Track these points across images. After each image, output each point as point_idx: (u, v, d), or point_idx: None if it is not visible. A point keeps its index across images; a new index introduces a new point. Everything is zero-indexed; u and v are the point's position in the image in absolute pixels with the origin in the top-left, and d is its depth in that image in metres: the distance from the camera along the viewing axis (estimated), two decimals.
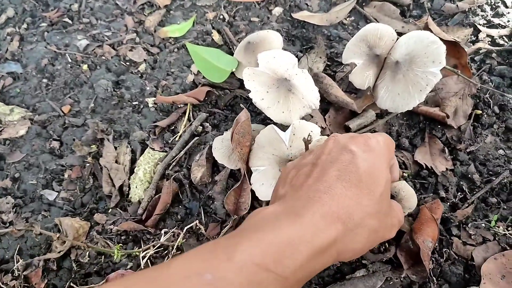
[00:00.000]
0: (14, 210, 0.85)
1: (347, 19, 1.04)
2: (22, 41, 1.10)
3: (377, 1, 1.05)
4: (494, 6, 1.02)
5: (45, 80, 1.02)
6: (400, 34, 0.95)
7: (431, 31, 0.95)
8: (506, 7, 1.01)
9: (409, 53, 0.84)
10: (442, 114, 0.85)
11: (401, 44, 0.87)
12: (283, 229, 0.46)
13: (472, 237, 0.71)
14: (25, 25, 1.13)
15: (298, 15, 1.04)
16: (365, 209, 0.51)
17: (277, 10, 1.07)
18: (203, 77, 0.97)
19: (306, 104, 0.82)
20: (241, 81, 0.95)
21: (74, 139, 0.91)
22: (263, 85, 0.87)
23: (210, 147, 0.84)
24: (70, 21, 1.12)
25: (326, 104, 0.90)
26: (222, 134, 0.84)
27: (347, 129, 0.87)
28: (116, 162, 0.88)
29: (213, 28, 1.07)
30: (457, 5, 1.02)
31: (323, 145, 0.60)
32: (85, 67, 1.03)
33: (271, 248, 0.44)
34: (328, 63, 0.98)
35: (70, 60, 1.04)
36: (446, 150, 0.82)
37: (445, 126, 0.86)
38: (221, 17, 1.09)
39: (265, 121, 0.88)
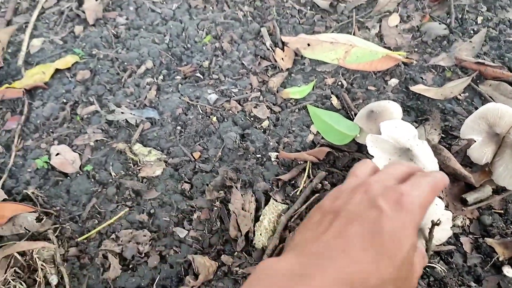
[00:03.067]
0: (150, 243, 0.95)
1: (462, 94, 1.10)
2: (159, 90, 1.25)
3: (493, 80, 1.10)
4: None
5: (178, 127, 1.15)
6: None
7: None
8: None
9: None
10: None
11: None
12: None
13: None
14: (161, 76, 1.28)
15: (414, 88, 1.10)
16: (383, 276, 0.46)
17: (393, 81, 1.15)
18: (322, 138, 1.05)
19: None
20: (359, 145, 1.03)
21: (207, 184, 1.01)
22: (385, 152, 0.93)
23: None
24: (201, 76, 1.26)
25: None
26: None
27: (464, 202, 0.91)
28: (243, 209, 0.96)
29: (332, 93, 1.16)
30: None
31: (351, 192, 0.55)
32: (214, 119, 1.14)
33: None
34: (443, 135, 1.03)
35: (200, 111, 1.17)
36: None
37: None
38: (340, 83, 1.18)
39: None
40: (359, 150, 1.03)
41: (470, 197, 0.91)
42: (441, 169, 0.94)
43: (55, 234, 0.98)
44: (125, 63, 1.33)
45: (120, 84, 1.28)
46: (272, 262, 0.49)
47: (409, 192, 0.51)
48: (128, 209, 1.01)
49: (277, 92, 1.19)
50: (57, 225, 1.00)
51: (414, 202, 0.50)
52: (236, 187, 0.99)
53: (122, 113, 1.19)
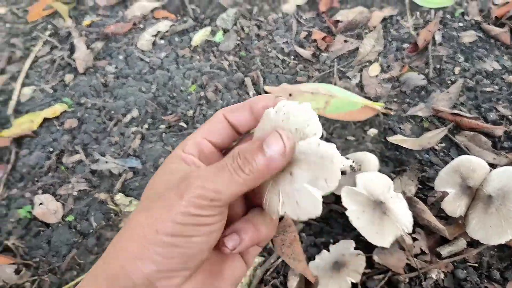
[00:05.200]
0: None
1: (439, 145, 1.12)
2: (143, 139, 1.27)
3: (469, 131, 1.12)
4: None
5: None
6: (491, 165, 1.01)
7: None
8: None
9: (502, 188, 0.89)
10: None
11: (494, 177, 0.92)
12: None
13: None
14: (146, 125, 1.31)
15: (392, 139, 1.12)
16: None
17: (372, 131, 1.17)
18: None
19: (399, 227, 0.88)
20: (336, 196, 1.04)
21: None
22: (359, 205, 0.94)
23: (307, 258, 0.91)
24: (185, 125, 1.29)
25: (418, 227, 0.95)
26: (317, 245, 0.91)
27: (438, 255, 0.92)
28: None
29: None
30: None
31: None
32: None
33: None
34: (420, 186, 1.04)
35: None
36: None
37: None
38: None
39: (359, 237, 0.94)
40: (336, 202, 1.03)
41: (444, 250, 0.91)
42: (416, 221, 0.95)
43: (33, 287, 0.98)
44: (112, 112, 1.36)
45: (105, 133, 1.30)
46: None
47: None
48: None
49: None
50: (36, 277, 1.00)
51: None
52: None
53: (106, 162, 1.21)
